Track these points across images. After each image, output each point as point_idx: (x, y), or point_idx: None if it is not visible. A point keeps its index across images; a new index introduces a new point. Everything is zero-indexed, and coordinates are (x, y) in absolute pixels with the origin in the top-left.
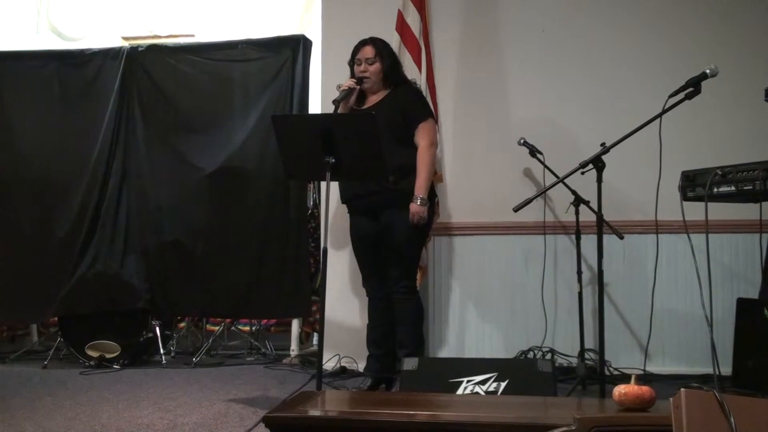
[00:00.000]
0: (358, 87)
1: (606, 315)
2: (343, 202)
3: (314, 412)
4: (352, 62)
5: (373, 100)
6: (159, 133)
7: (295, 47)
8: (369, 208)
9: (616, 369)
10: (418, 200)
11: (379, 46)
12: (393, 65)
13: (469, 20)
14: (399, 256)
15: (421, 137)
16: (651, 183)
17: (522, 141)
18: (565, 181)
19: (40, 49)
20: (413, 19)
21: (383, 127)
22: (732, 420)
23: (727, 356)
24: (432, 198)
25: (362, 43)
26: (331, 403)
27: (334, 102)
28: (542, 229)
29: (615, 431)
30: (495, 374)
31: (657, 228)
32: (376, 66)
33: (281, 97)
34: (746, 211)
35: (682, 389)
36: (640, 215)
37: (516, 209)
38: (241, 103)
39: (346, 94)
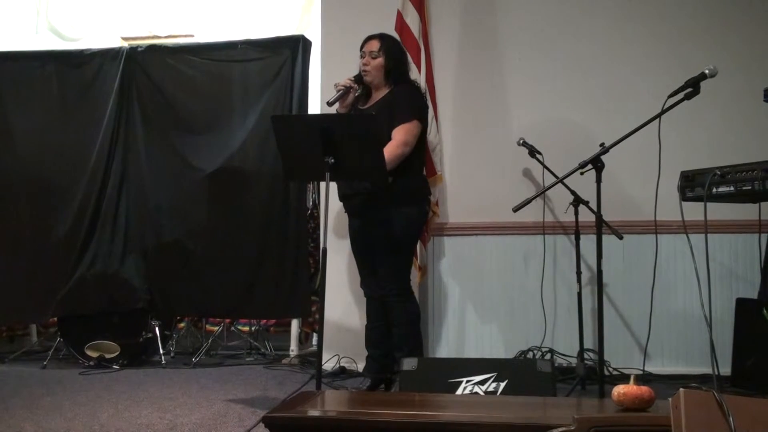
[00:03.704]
0: (356, 86)
1: (605, 315)
2: (339, 200)
3: (314, 413)
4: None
5: (374, 98)
6: (158, 133)
7: (295, 47)
8: (356, 209)
9: (615, 369)
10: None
11: (386, 41)
12: (397, 63)
13: (468, 21)
14: (388, 258)
15: (395, 133)
16: (650, 183)
17: (521, 141)
18: (565, 181)
19: (39, 49)
20: (412, 20)
21: None
22: (731, 420)
23: (726, 356)
24: (426, 197)
25: (370, 37)
26: (331, 404)
27: (328, 103)
28: (541, 229)
29: (614, 431)
30: (494, 374)
31: (656, 228)
32: (379, 61)
33: (281, 97)
34: (745, 212)
35: (681, 389)
36: (640, 215)
37: (515, 209)
38: (240, 103)
39: (342, 94)
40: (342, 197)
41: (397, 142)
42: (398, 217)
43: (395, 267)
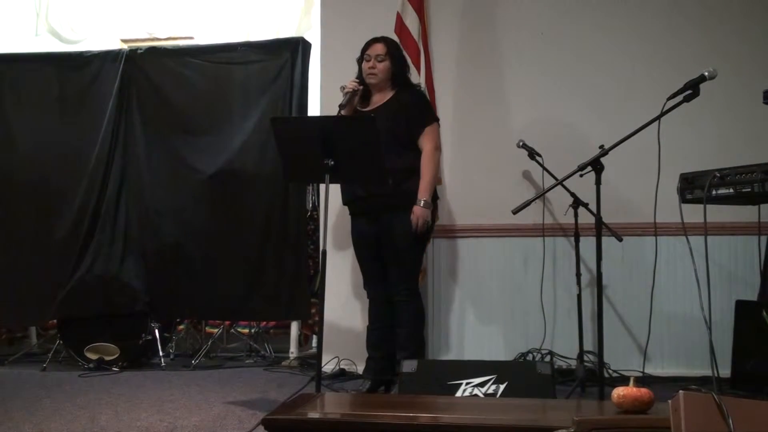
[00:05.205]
0: (360, 88)
1: (605, 317)
2: (344, 204)
3: (313, 415)
4: (360, 59)
5: (377, 101)
6: (158, 135)
7: (295, 50)
8: (370, 210)
9: (615, 371)
10: (422, 203)
11: (390, 45)
12: (401, 67)
13: (468, 23)
14: (400, 258)
15: (426, 141)
16: (650, 185)
17: (521, 143)
18: (564, 183)
19: (39, 51)
20: (412, 22)
21: (386, 129)
22: (730, 422)
23: (726, 358)
24: (434, 200)
25: (374, 40)
26: (330, 406)
27: (340, 106)
28: (541, 231)
29: None
30: (494, 376)
31: (656, 230)
32: (385, 64)
33: (280, 99)
34: (745, 214)
35: (681, 391)
36: (639, 217)
37: (515, 211)
38: (240, 105)
39: (351, 96)
40: (354, 198)
41: (431, 148)
42: (412, 219)
43: (406, 268)
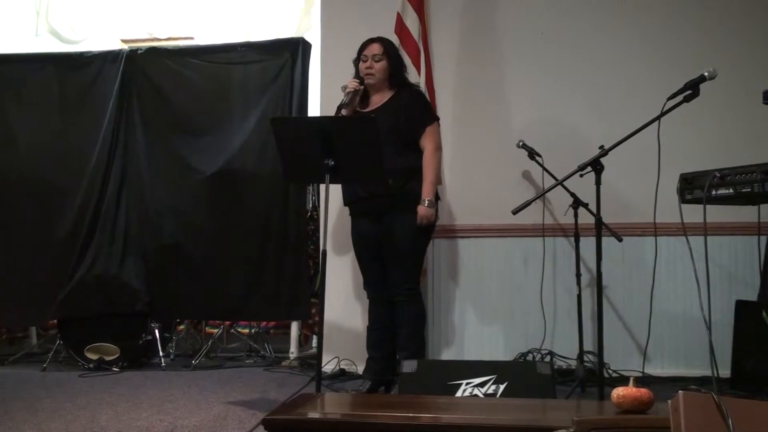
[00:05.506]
0: (361, 88)
1: (605, 317)
2: (345, 204)
3: (313, 415)
4: (357, 60)
5: (376, 101)
6: (158, 135)
7: (295, 50)
8: (371, 211)
9: (614, 371)
10: (426, 202)
11: (387, 44)
12: (398, 66)
13: (468, 23)
14: (402, 258)
15: (428, 141)
16: (650, 185)
17: (521, 143)
18: (564, 183)
19: (39, 51)
20: (412, 22)
21: (387, 130)
22: (730, 422)
23: (726, 358)
24: (438, 199)
25: (370, 41)
26: (331, 406)
27: (341, 106)
28: (541, 231)
29: None
30: (494, 376)
31: (656, 230)
32: (382, 64)
33: (280, 99)
34: (744, 214)
35: (681, 391)
36: (639, 218)
37: (515, 212)
38: (240, 105)
39: (353, 96)
40: (356, 199)
41: (433, 148)
42: (415, 219)
43: (408, 267)
